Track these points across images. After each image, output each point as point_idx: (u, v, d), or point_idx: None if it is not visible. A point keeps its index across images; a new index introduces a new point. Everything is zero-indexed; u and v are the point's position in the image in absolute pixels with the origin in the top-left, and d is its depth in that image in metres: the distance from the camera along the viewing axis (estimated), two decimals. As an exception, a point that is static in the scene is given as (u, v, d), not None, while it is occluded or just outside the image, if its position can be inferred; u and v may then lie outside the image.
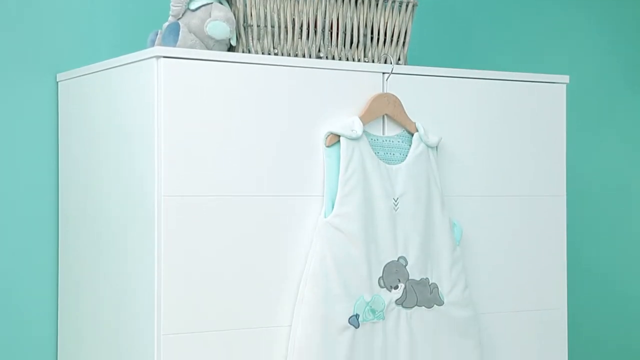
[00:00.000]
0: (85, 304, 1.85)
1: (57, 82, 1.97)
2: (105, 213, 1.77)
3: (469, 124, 1.87)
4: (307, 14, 1.77)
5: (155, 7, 2.01)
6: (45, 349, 1.98)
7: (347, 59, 1.81)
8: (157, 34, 1.79)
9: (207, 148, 1.61)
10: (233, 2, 1.75)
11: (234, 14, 1.74)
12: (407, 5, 1.85)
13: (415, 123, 1.79)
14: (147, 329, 1.59)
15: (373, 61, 1.83)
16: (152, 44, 1.79)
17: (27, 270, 1.97)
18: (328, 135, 1.71)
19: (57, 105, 1.98)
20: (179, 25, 1.71)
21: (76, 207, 1.90)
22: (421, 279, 1.76)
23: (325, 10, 1.78)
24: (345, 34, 1.81)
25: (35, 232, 1.98)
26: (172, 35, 1.74)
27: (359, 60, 1.82)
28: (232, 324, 1.63)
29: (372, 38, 1.84)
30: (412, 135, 1.79)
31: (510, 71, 1.96)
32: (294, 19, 1.76)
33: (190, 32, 1.70)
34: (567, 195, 2.01)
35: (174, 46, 1.71)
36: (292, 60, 1.71)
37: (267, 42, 1.74)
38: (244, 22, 1.73)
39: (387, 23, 1.84)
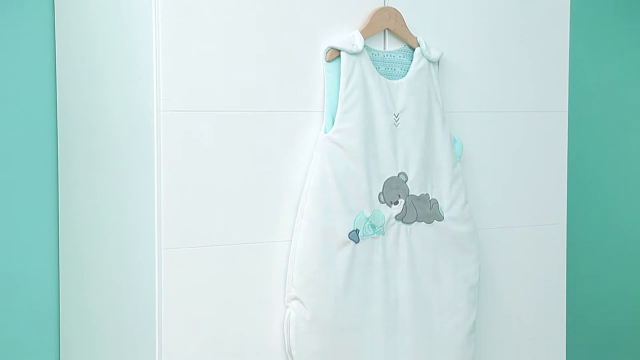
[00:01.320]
0: (85, 219, 1.86)
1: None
2: (105, 125, 1.76)
3: (470, 39, 1.85)
4: None
5: None
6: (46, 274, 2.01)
7: (348, -28, 1.78)
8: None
9: (206, 63, 1.60)
10: None
11: None
12: None
13: (416, 38, 1.77)
14: (148, 244, 1.60)
15: (374, -26, 1.80)
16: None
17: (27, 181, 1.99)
18: (328, 50, 1.69)
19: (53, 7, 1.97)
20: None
21: (74, 117, 1.89)
22: (421, 195, 1.77)
23: None
24: (346, -53, 1.78)
25: (34, 135, 1.98)
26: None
27: (360, -26, 1.79)
28: (233, 238, 1.63)
29: (373, -49, 1.80)
30: (414, 50, 1.77)
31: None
32: None
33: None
34: (569, 111, 2.00)
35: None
36: (292, -27, 1.68)
37: (266, -46, 1.72)
38: None
39: None
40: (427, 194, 1.77)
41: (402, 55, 1.77)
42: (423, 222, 1.77)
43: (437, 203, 1.78)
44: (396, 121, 1.74)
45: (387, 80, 1.74)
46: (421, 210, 1.77)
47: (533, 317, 1.97)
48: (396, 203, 1.74)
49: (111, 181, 1.75)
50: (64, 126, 1.95)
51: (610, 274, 2.72)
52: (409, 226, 1.76)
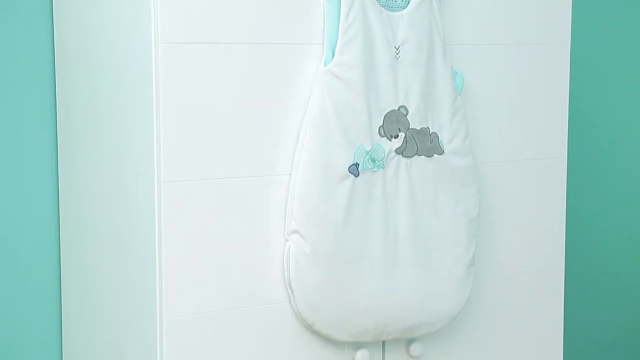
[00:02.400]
0: (84, 152, 1.85)
1: None
2: (103, 56, 1.75)
3: (473, -30, 1.83)
4: None
5: None
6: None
7: None
8: None
9: (205, -6, 1.58)
10: None
11: None
12: None
13: (417, -31, 1.75)
14: (147, 177, 1.60)
15: None
16: None
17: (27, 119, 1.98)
18: (329, -19, 1.67)
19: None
20: None
21: (72, 55, 1.88)
22: (421, 128, 1.76)
23: None
24: None
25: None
26: None
27: None
28: (232, 172, 1.63)
29: None
30: (415, -19, 1.75)
31: None
32: None
33: None
34: (571, 44, 1.98)
35: None
36: None
37: None
38: None
39: None
40: (427, 128, 1.77)
41: (403, -13, 1.75)
42: (423, 156, 1.77)
43: (438, 136, 1.78)
44: (397, 54, 1.73)
45: (388, 12, 1.72)
46: (421, 143, 1.76)
47: (532, 251, 1.98)
48: (396, 137, 1.74)
49: (110, 114, 1.74)
50: (61, 55, 1.94)
51: (610, 208, 2.72)
52: (409, 160, 1.75)
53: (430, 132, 1.77)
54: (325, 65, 1.67)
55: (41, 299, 2.03)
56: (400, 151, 1.74)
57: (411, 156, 1.75)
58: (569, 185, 2.08)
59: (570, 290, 2.55)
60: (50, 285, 2.03)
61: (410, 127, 1.75)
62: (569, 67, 1.97)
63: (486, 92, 1.87)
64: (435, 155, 1.77)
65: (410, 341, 1.83)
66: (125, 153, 1.69)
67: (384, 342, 1.81)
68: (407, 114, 1.74)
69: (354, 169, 1.69)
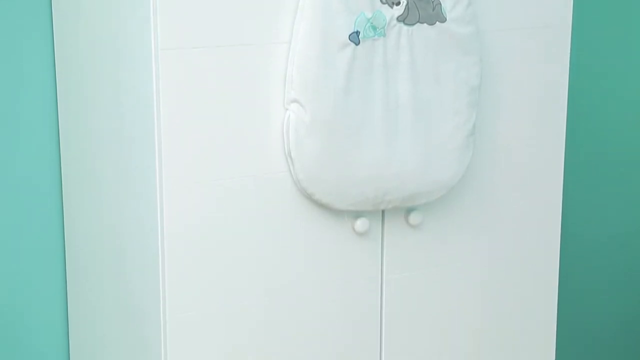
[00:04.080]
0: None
1: None
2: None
3: None
4: None
5: None
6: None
7: None
8: None
9: None
10: None
11: None
12: None
13: None
14: (144, 45, 1.57)
15: None
16: None
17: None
18: None
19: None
20: None
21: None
22: (424, -5, 1.73)
23: None
24: None
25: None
26: None
27: None
28: (231, 39, 1.61)
29: None
30: None
31: None
32: None
33: None
34: None
35: None
36: None
37: None
38: None
39: None
40: (429, -6, 1.73)
41: None
42: (425, 24, 1.73)
43: (440, 4, 1.74)
44: None
45: None
46: (423, 11, 1.73)
47: (533, 121, 1.97)
48: (398, 4, 1.70)
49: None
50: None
51: (613, 75, 2.71)
52: (410, 28, 1.72)
53: (433, -1, 1.74)
54: None
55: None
56: (401, 19, 1.71)
57: (413, 24, 1.72)
58: (572, 52, 2.05)
59: (571, 156, 2.56)
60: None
61: (412, -7, 1.71)
62: None
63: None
64: (437, 23, 1.74)
65: (409, 210, 1.84)
66: (119, 20, 1.66)
67: (383, 211, 1.82)
68: (409, -20, 1.70)
69: (355, 37, 1.67)
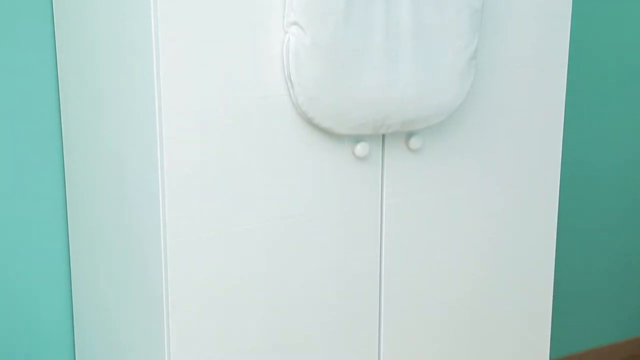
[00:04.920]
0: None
1: None
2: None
3: None
4: None
5: None
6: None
7: None
8: None
9: None
10: None
11: None
12: None
13: None
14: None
15: None
16: None
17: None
18: None
19: None
20: None
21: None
22: None
23: None
24: None
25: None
26: None
27: None
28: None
29: None
30: None
31: None
32: None
33: None
34: None
35: None
36: None
37: None
38: None
39: None
40: None
41: None
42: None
43: None
44: None
45: None
46: None
47: (535, 46, 1.95)
48: None
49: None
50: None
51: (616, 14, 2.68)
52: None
53: None
54: None
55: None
56: None
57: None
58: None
59: (572, 87, 2.55)
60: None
61: None
62: None
63: None
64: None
65: (409, 135, 1.83)
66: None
67: (383, 136, 1.82)
68: None
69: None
